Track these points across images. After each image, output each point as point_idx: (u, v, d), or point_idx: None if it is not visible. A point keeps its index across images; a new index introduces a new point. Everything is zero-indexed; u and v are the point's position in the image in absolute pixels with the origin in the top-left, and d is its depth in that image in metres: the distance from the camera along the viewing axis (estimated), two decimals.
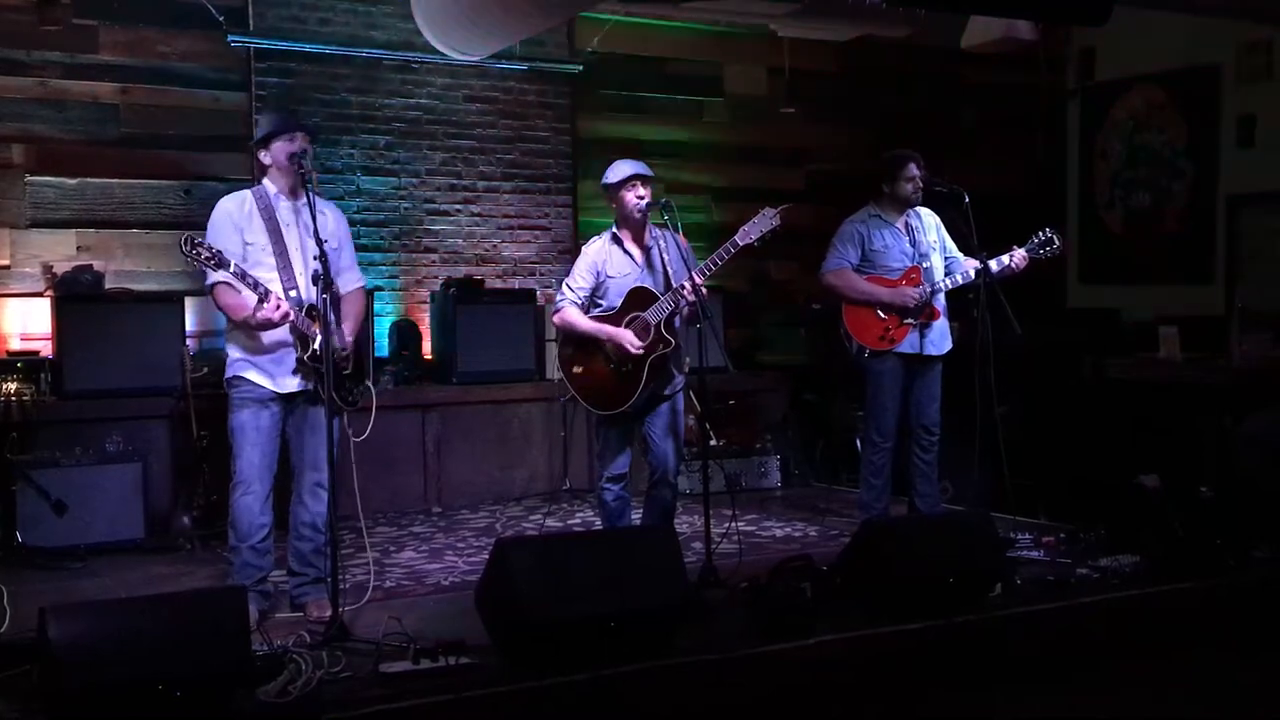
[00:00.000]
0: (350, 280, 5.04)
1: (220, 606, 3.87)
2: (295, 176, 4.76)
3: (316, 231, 4.56)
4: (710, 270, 5.21)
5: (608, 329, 5.27)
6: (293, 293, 4.68)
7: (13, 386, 6.16)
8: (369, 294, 7.33)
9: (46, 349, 6.65)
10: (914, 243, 6.14)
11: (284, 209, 4.80)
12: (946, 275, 6.12)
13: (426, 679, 3.93)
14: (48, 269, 6.90)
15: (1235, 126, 8.80)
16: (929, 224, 6.23)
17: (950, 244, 6.23)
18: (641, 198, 5.26)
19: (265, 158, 4.83)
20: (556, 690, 3.93)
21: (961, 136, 9.30)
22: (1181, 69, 9.05)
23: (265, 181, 4.86)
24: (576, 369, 5.38)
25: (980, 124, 9.58)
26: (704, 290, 5.17)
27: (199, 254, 4.45)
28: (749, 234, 5.24)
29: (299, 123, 4.94)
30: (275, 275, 4.68)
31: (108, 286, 6.88)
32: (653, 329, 5.22)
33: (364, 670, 4.03)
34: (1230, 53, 8.76)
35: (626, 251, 5.37)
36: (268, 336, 4.69)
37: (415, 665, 4.01)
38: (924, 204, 6.21)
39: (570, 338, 5.41)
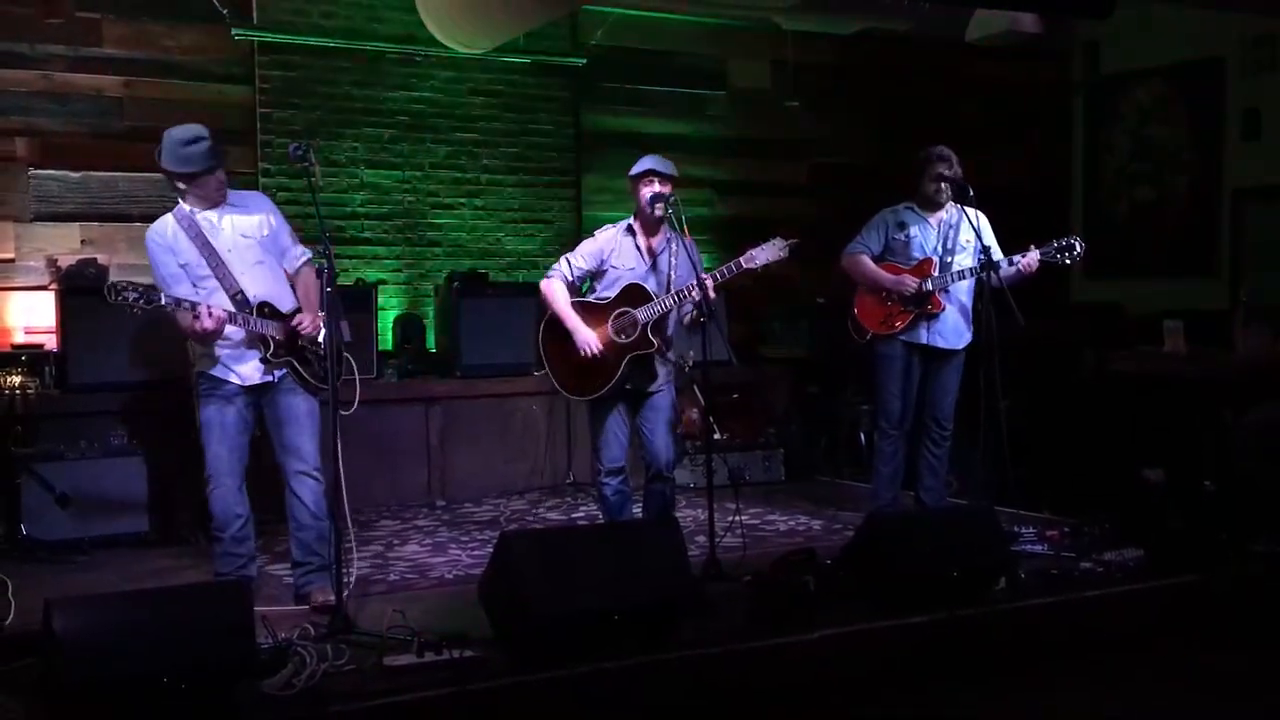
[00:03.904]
0: (294, 258, 4.97)
1: (224, 599, 3.89)
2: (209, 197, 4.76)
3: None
4: (715, 282, 5.16)
5: (573, 322, 5.25)
6: (238, 295, 4.69)
7: (17, 380, 6.16)
8: (372, 286, 7.38)
9: (51, 342, 6.65)
10: (942, 238, 6.05)
11: (204, 219, 4.77)
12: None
13: (430, 672, 3.93)
14: (52, 262, 6.91)
15: (1240, 120, 8.79)
16: (970, 225, 5.93)
17: (994, 249, 5.84)
18: (657, 193, 5.24)
19: (177, 183, 4.75)
20: (560, 683, 3.94)
21: (966, 130, 9.26)
22: (1186, 62, 9.04)
23: (181, 202, 4.80)
24: (555, 348, 5.36)
25: (984, 118, 9.55)
26: (712, 295, 5.12)
27: (126, 299, 4.50)
28: (755, 259, 5.20)
29: (190, 170, 4.73)
30: (217, 284, 4.69)
31: (111, 280, 6.86)
32: (639, 327, 5.21)
33: (368, 663, 4.03)
34: (1235, 46, 8.75)
35: (638, 246, 5.36)
36: (221, 341, 4.69)
37: (419, 658, 4.00)
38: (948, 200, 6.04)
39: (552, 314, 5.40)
